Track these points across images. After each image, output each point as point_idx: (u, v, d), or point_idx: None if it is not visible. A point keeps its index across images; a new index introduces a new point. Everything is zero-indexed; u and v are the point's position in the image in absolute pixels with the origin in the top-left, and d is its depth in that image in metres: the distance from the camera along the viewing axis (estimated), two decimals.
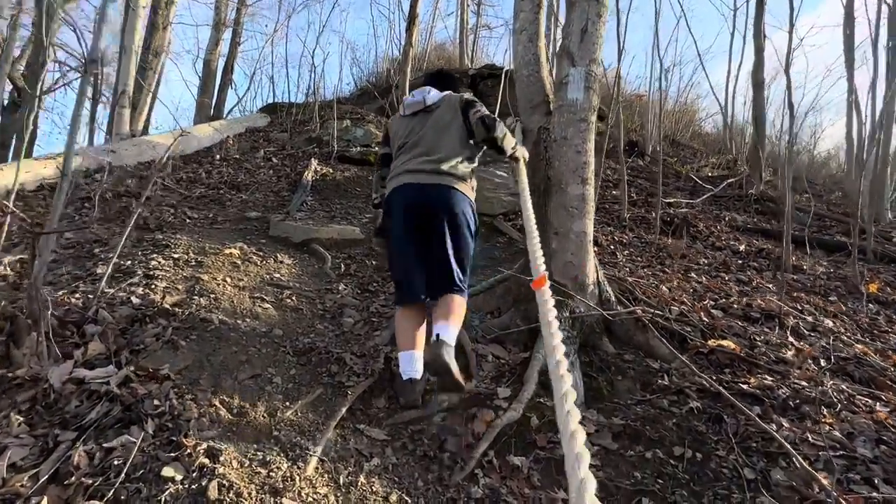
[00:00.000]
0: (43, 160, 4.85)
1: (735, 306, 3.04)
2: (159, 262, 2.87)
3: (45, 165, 4.74)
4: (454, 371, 1.98)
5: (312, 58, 11.89)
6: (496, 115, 2.39)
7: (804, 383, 2.32)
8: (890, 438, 1.92)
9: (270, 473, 1.49)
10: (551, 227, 2.72)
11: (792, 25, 4.49)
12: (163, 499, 1.30)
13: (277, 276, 3.13)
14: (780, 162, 9.44)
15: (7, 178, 4.16)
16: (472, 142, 2.36)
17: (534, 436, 2.00)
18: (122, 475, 1.36)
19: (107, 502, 1.30)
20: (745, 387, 2.24)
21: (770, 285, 3.72)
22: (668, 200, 6.04)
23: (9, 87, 8.41)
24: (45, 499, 1.30)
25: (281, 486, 1.45)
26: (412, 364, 2.12)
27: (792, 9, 4.53)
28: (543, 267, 1.27)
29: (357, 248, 3.93)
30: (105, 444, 1.47)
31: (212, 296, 2.55)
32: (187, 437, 1.53)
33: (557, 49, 2.94)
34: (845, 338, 2.92)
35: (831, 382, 2.31)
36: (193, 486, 1.36)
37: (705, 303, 3.08)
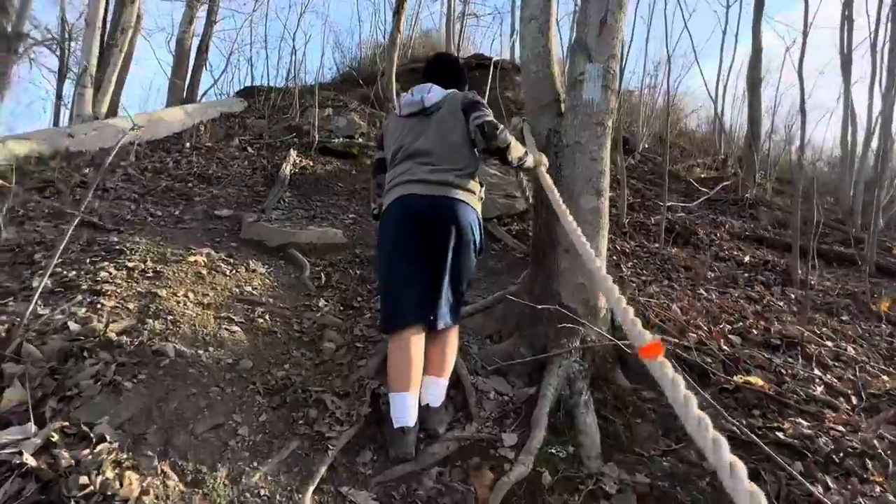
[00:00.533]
0: None
1: (754, 332, 2.80)
2: (110, 274, 2.48)
3: None
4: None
5: (293, 40, 11.25)
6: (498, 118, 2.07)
7: (841, 428, 2.08)
8: None
9: None
10: (560, 245, 2.41)
11: (806, 27, 4.25)
12: None
13: (249, 289, 2.76)
14: (770, 163, 9.34)
15: None
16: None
17: (547, 497, 1.72)
18: None
19: None
20: (781, 435, 1.99)
21: (781, 303, 3.50)
22: (666, 204, 5.81)
23: None
24: None
25: None
26: (406, 410, 1.81)
27: (807, 11, 4.29)
28: (648, 334, 0.91)
29: (339, 254, 3.57)
30: None
31: (169, 318, 2.18)
32: None
33: (571, 42, 2.61)
34: (870, 367, 2.71)
35: (870, 428, 2.07)
36: None
37: (722, 326, 2.83)
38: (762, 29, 7.36)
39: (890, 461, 1.90)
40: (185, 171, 4.90)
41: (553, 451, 1.90)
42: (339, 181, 5.20)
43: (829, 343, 2.89)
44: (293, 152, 5.58)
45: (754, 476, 1.81)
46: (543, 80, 2.64)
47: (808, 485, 1.70)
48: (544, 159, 2.26)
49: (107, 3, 7.15)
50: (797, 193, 3.92)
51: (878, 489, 1.76)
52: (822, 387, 2.41)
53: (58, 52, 10.87)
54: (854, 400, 2.35)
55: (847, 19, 7.08)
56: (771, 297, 3.58)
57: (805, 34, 4.26)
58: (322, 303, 2.78)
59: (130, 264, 2.63)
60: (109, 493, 1.28)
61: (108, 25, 7.51)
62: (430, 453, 1.85)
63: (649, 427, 2.09)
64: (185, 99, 9.52)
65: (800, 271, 3.89)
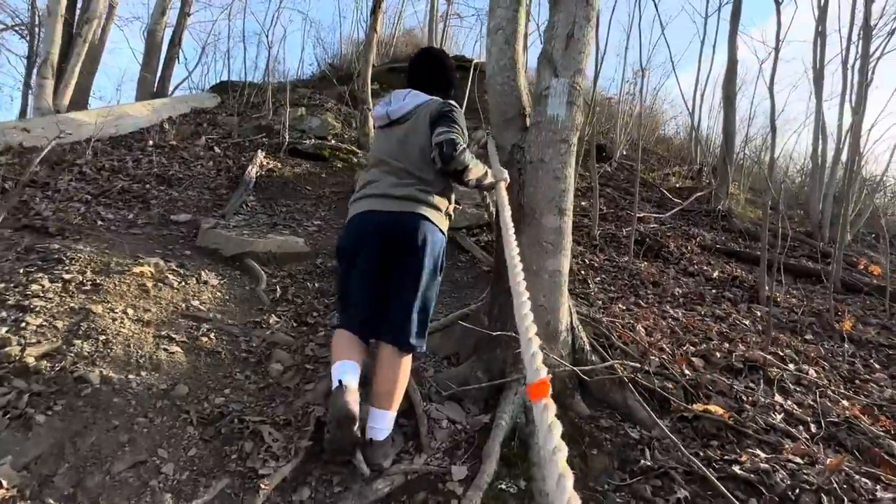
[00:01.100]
0: None
1: (717, 354, 2.76)
2: (42, 287, 2.31)
3: None
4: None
5: (268, 36, 10.87)
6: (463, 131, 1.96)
7: (799, 460, 2.04)
8: None
9: None
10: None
11: (778, 44, 4.25)
12: None
13: (196, 303, 2.62)
14: (744, 173, 9.46)
15: None
16: None
17: None
18: None
19: None
20: (738, 469, 1.93)
21: (747, 321, 3.48)
22: (638, 215, 5.79)
23: None
24: None
25: None
26: (343, 369, 1.75)
27: (779, 30, 4.29)
28: (544, 370, 0.86)
29: (300, 264, 3.43)
30: None
31: (101, 338, 2.03)
32: None
33: (539, 55, 2.53)
34: (831, 392, 2.69)
35: (826, 459, 2.04)
36: None
37: (685, 348, 2.79)
38: (738, 41, 7.41)
39: (845, 497, 1.86)
40: (145, 171, 4.70)
41: (503, 486, 1.82)
42: (307, 185, 5.05)
43: (791, 366, 2.87)
44: (261, 153, 5.40)
45: None
46: (509, 93, 2.55)
47: None
48: (505, 174, 2.16)
49: None
50: (766, 211, 3.91)
51: None
52: (783, 414, 2.37)
53: (28, 38, 10.44)
54: (813, 428, 2.32)
55: (820, 35, 7.17)
56: (737, 316, 3.56)
57: (777, 50, 4.27)
58: (274, 319, 2.65)
59: (67, 276, 2.47)
60: None
61: (77, 13, 7.21)
62: (374, 489, 1.74)
63: (605, 459, 2.02)
64: (156, 93, 9.22)
65: (766, 288, 3.89)
